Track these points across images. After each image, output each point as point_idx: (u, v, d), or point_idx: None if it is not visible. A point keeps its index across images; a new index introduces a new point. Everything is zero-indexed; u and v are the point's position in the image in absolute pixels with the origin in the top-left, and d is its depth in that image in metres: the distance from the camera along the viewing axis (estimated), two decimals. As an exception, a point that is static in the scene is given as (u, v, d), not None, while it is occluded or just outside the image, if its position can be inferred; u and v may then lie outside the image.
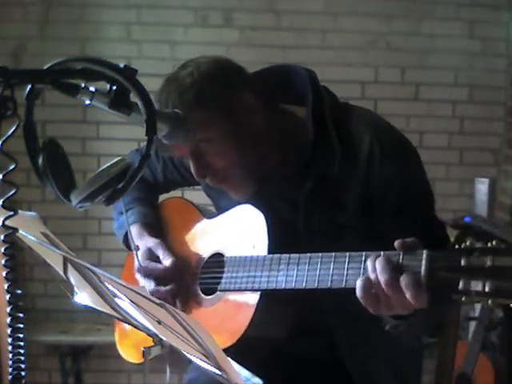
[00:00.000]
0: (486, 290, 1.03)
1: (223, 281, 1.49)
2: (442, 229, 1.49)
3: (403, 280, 1.12)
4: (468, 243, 1.07)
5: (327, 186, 1.43)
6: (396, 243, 1.15)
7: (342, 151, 1.42)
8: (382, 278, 1.14)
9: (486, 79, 3.38)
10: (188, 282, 1.60)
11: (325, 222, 1.44)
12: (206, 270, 1.58)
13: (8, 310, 1.03)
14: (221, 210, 1.62)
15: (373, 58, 3.35)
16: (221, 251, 1.56)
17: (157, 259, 1.62)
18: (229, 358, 1.15)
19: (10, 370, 1.07)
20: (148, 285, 1.60)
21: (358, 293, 1.17)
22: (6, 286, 1.02)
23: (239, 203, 1.53)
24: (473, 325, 2.85)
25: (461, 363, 2.70)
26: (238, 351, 1.37)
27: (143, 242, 1.66)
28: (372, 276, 1.16)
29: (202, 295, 1.56)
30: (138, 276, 1.62)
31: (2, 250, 1.03)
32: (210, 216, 1.66)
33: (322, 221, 1.44)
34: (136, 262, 1.61)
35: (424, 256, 1.11)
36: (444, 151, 3.40)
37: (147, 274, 1.60)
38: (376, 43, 3.34)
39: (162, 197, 1.85)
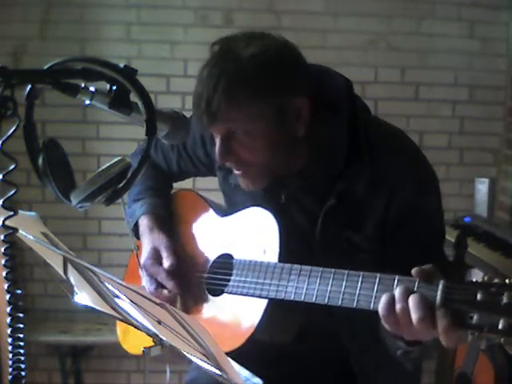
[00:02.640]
0: (500, 327, 1.01)
1: (231, 283, 1.47)
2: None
3: (414, 313, 1.09)
4: (486, 278, 1.05)
5: (348, 207, 1.40)
6: (413, 271, 1.12)
7: (370, 176, 1.39)
8: (415, 315, 1.10)
9: (486, 79, 3.38)
10: (194, 280, 1.59)
11: (340, 239, 1.41)
12: (214, 270, 1.56)
13: (8, 309, 1.03)
14: (235, 206, 1.59)
15: (373, 58, 3.35)
16: (230, 252, 1.54)
17: (161, 259, 1.61)
18: (229, 358, 1.15)
19: (10, 370, 1.07)
20: (149, 284, 1.59)
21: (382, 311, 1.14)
22: (5, 286, 1.02)
23: (255, 203, 1.50)
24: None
25: (461, 363, 2.70)
26: (243, 353, 1.37)
27: (152, 236, 1.64)
28: (398, 305, 1.12)
29: (208, 295, 1.54)
30: (141, 273, 1.61)
31: (2, 249, 1.03)
32: (222, 214, 1.63)
33: (338, 238, 1.41)
34: (149, 260, 1.60)
35: (440, 287, 1.09)
36: (444, 151, 3.40)
37: (149, 274, 1.60)
38: (376, 43, 3.34)
39: (175, 186, 1.84)
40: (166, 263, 1.58)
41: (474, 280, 1.06)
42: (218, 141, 1.40)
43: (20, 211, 0.99)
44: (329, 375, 1.53)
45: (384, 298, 1.14)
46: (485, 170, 3.40)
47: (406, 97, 3.38)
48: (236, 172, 1.45)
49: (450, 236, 2.57)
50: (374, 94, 3.32)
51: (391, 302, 1.13)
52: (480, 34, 3.36)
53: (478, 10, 3.33)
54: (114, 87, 1.01)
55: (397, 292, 1.13)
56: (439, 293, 1.09)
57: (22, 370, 1.07)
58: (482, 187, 3.28)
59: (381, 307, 1.14)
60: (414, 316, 1.10)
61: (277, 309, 1.39)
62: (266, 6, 3.30)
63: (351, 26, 3.32)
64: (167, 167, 1.78)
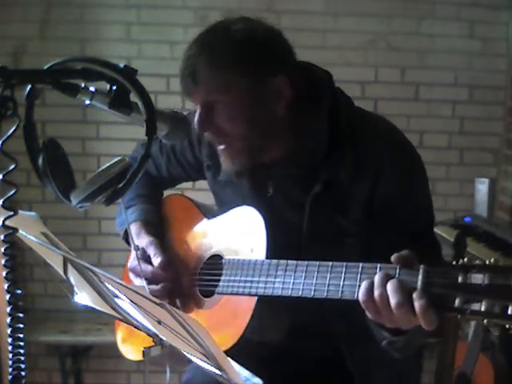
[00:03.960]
0: (482, 308, 1.02)
1: (221, 284, 1.49)
2: (437, 249, 1.47)
3: (392, 299, 1.11)
4: (466, 260, 1.06)
5: (334, 192, 1.42)
6: (393, 257, 1.14)
7: (353, 160, 1.40)
8: (393, 300, 1.11)
9: (486, 79, 3.38)
10: (186, 282, 1.60)
11: (328, 226, 1.43)
12: (205, 272, 1.57)
13: (8, 309, 1.03)
14: (224, 204, 1.60)
15: (373, 58, 3.35)
16: (220, 253, 1.55)
17: (149, 258, 1.61)
18: (229, 358, 1.15)
19: (10, 370, 1.07)
20: (139, 284, 1.59)
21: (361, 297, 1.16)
22: (5, 286, 1.02)
23: (244, 198, 1.51)
24: (473, 325, 2.85)
25: (461, 363, 2.70)
26: (236, 353, 1.37)
27: (139, 240, 1.65)
28: (377, 291, 1.14)
29: (200, 296, 1.55)
30: (130, 275, 1.62)
31: (2, 250, 1.03)
32: (211, 216, 1.65)
33: (326, 225, 1.43)
34: (135, 261, 1.61)
35: (421, 271, 1.10)
36: (444, 151, 3.40)
37: (137, 274, 1.60)
38: (376, 43, 3.34)
39: (166, 192, 1.85)
40: (156, 261, 1.59)
41: (454, 263, 1.06)
42: (198, 110, 1.41)
43: (20, 211, 0.99)
44: (326, 374, 1.54)
45: (364, 285, 1.16)
46: (485, 170, 3.40)
47: (406, 97, 3.38)
48: (218, 147, 1.46)
49: (450, 236, 2.57)
50: (374, 93, 3.32)
51: (370, 288, 1.15)
52: (480, 34, 3.36)
53: (478, 10, 3.33)
54: (114, 87, 1.01)
55: (376, 278, 1.14)
56: (420, 277, 1.09)
57: (22, 369, 1.07)
58: (482, 187, 3.28)
59: (361, 293, 1.16)
60: (393, 301, 1.11)
61: (265, 306, 1.40)
62: (266, 6, 3.30)
63: (351, 26, 3.32)
64: (157, 173, 1.79)
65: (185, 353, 1.21)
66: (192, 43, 1.41)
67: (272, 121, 1.41)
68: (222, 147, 1.45)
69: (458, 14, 3.34)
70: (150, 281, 1.58)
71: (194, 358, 1.20)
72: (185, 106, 3.22)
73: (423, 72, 3.37)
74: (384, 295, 1.12)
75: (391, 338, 1.25)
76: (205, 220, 1.66)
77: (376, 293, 1.13)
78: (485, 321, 1.02)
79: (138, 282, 1.60)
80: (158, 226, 1.72)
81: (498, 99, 3.39)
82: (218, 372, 1.15)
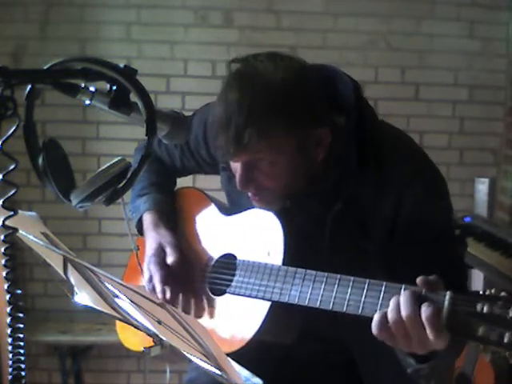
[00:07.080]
0: (505, 340, 1.02)
1: (233, 284, 1.47)
2: (461, 268, 1.46)
3: (424, 312, 1.10)
4: (494, 291, 1.06)
5: (356, 210, 1.40)
6: (418, 280, 1.13)
7: (376, 178, 1.38)
8: (404, 312, 1.12)
9: (486, 79, 3.38)
10: (197, 278, 1.58)
11: (349, 244, 1.41)
12: (216, 270, 1.56)
13: (8, 309, 1.03)
14: (239, 207, 1.58)
15: (373, 58, 3.35)
16: (233, 252, 1.54)
17: (164, 257, 1.60)
18: (229, 358, 1.15)
19: (10, 369, 1.07)
20: (150, 281, 1.59)
21: (375, 329, 1.16)
22: (5, 286, 1.02)
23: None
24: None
25: (461, 363, 2.70)
26: (244, 353, 1.36)
27: (157, 233, 1.64)
28: (390, 314, 1.14)
29: (211, 294, 1.54)
30: (144, 268, 1.61)
31: (2, 250, 1.03)
32: (226, 213, 1.63)
33: (346, 242, 1.41)
34: (137, 260, 1.60)
35: (447, 297, 1.10)
36: (444, 151, 3.40)
37: (152, 271, 1.59)
38: (376, 43, 3.34)
39: (179, 183, 1.85)
40: (170, 259, 1.58)
41: (481, 292, 1.07)
42: (239, 168, 1.39)
43: (20, 211, 0.99)
44: (332, 378, 1.53)
45: (376, 316, 1.15)
46: (485, 170, 3.40)
47: (405, 97, 3.38)
48: (251, 196, 1.44)
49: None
50: (374, 93, 3.31)
51: (383, 318, 1.15)
52: (480, 34, 3.36)
53: (478, 10, 3.33)
54: (114, 87, 1.01)
55: (391, 302, 1.14)
56: (446, 304, 1.09)
57: (22, 369, 1.07)
58: (482, 187, 3.28)
59: (375, 324, 1.15)
60: (404, 313, 1.11)
61: (279, 311, 1.38)
62: (266, 6, 3.30)
63: (351, 26, 3.32)
64: (171, 163, 1.78)
65: (185, 353, 1.21)
66: (228, 100, 1.33)
67: (312, 167, 1.40)
68: (256, 198, 1.44)
69: (457, 14, 3.34)
70: (161, 282, 1.58)
71: (193, 358, 1.20)
72: (185, 106, 3.23)
73: (423, 72, 3.37)
74: (398, 314, 1.13)
75: (416, 365, 1.24)
76: (220, 216, 1.64)
77: (390, 316, 1.13)
78: (506, 353, 1.02)
79: (149, 277, 1.59)
80: (172, 218, 1.70)
81: (498, 99, 3.39)
82: (217, 372, 1.15)
